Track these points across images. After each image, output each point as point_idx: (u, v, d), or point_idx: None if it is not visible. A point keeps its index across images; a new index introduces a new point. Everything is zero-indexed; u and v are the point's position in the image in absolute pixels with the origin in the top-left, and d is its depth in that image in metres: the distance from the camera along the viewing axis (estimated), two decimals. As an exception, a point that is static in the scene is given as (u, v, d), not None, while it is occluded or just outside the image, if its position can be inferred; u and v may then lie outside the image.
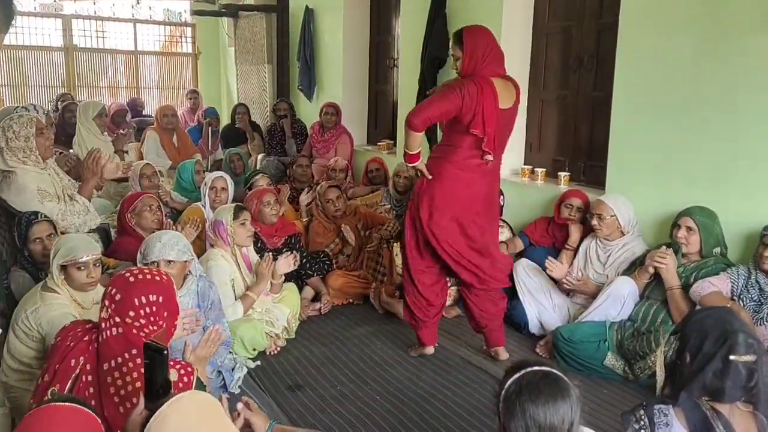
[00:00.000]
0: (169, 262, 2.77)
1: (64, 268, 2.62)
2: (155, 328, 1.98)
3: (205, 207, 4.29)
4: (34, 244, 3.08)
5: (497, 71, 3.12)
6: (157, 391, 1.63)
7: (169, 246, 2.77)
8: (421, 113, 3.07)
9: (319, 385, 3.18)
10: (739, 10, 3.16)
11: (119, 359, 1.91)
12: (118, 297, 1.95)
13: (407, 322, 3.51)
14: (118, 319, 1.93)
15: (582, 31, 4.31)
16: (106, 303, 1.96)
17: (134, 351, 1.91)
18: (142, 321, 1.95)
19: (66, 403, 1.47)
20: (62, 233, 3.35)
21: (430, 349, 3.51)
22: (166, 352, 1.65)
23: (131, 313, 1.94)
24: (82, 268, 2.62)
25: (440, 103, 3.05)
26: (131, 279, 1.98)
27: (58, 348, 2.00)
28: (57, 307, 2.55)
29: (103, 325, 1.95)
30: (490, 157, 3.11)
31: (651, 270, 3.26)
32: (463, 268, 3.27)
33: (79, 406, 1.47)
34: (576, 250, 3.81)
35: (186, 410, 1.41)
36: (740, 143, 3.23)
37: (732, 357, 1.66)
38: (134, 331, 1.94)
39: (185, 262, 2.85)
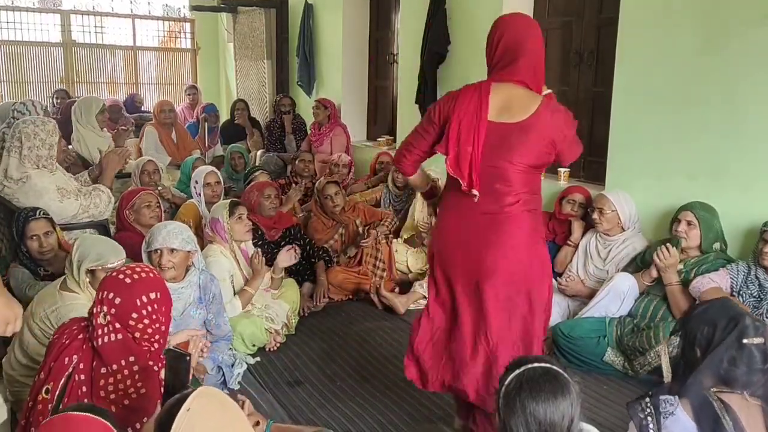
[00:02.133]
0: (172, 250, 2.77)
1: (91, 271, 2.60)
2: (157, 326, 1.97)
3: (200, 204, 4.26)
4: (30, 240, 3.07)
5: (512, 77, 2.27)
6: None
7: (173, 234, 2.78)
8: (403, 155, 2.43)
9: (318, 381, 3.18)
10: (739, 5, 3.16)
11: (114, 366, 1.90)
12: (117, 301, 1.92)
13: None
14: (118, 325, 1.91)
15: (582, 27, 4.30)
16: (105, 308, 1.92)
17: (132, 358, 1.90)
18: (146, 321, 1.94)
19: (81, 413, 1.45)
20: (62, 229, 3.36)
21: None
22: (188, 357, 1.64)
23: (134, 315, 1.93)
24: None
25: (420, 134, 2.38)
26: (128, 281, 1.96)
27: (54, 345, 1.99)
28: (78, 307, 2.55)
29: (99, 330, 1.91)
30: (474, 191, 2.20)
31: (654, 274, 3.26)
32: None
33: (94, 416, 1.45)
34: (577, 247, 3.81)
35: (212, 408, 1.40)
36: (740, 139, 3.22)
37: (745, 341, 1.66)
38: (136, 333, 1.93)
39: (188, 252, 2.86)
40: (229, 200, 3.68)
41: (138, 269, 2.02)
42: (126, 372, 1.90)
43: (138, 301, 1.93)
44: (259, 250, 3.63)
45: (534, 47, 2.29)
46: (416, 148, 2.39)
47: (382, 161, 5.59)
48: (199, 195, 4.24)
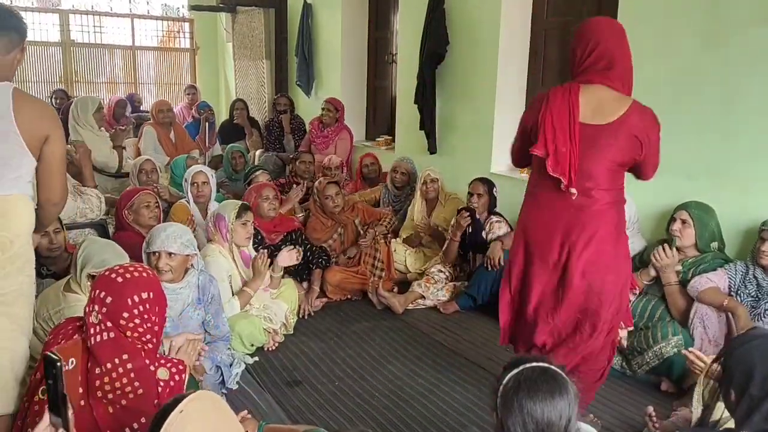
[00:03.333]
0: (170, 254, 2.76)
1: (92, 276, 2.61)
2: (149, 325, 1.96)
3: (189, 203, 4.25)
4: (41, 237, 3.08)
5: (604, 80, 2.38)
6: (57, 404, 1.57)
7: (172, 238, 2.76)
8: (515, 157, 2.69)
9: (317, 381, 3.18)
10: (738, 4, 3.15)
11: (108, 365, 1.89)
12: (108, 300, 1.91)
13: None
14: (109, 324, 1.90)
15: (581, 27, 4.29)
16: (96, 308, 1.92)
17: (125, 356, 1.90)
18: (137, 321, 1.93)
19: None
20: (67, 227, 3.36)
21: None
22: (60, 364, 1.60)
23: (125, 314, 1.92)
24: None
25: (518, 139, 2.59)
26: (119, 279, 1.94)
27: (49, 345, 1.98)
28: (80, 308, 2.55)
29: (92, 330, 1.91)
30: (572, 190, 2.34)
31: (653, 273, 3.26)
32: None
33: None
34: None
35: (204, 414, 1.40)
36: (739, 138, 3.22)
37: None
38: (128, 333, 1.92)
39: (187, 255, 2.85)
40: (240, 202, 3.66)
41: (131, 268, 2.01)
42: (120, 371, 1.89)
43: (129, 300, 1.92)
44: (265, 252, 3.62)
45: (627, 54, 2.45)
46: (520, 150, 2.57)
47: (366, 163, 5.58)
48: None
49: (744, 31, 3.14)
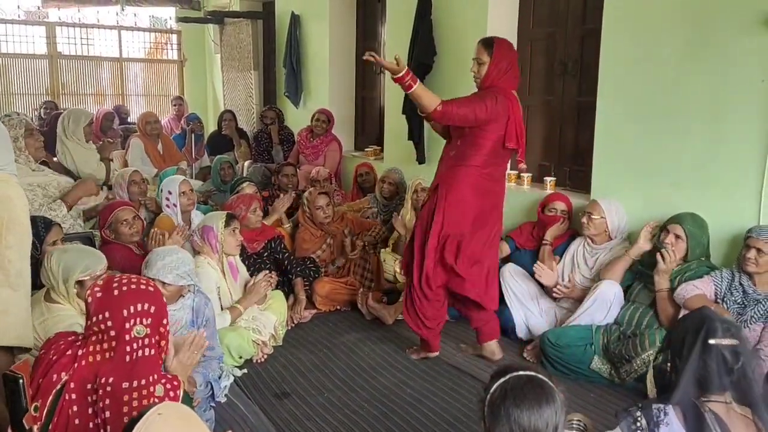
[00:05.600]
0: (165, 283, 2.72)
1: (79, 282, 2.60)
2: (150, 340, 1.97)
3: (175, 215, 4.19)
4: (52, 246, 3.07)
5: (513, 87, 3.23)
6: (20, 421, 1.57)
7: (168, 269, 2.71)
8: (456, 109, 3.09)
9: (306, 393, 3.17)
10: (720, 15, 3.20)
11: (143, 381, 1.89)
12: (152, 310, 1.93)
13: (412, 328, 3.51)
14: (153, 340, 1.92)
15: (566, 37, 4.34)
16: (143, 321, 1.92)
17: (155, 375, 1.91)
18: (169, 329, 1.97)
19: None
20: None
21: (434, 354, 3.56)
22: (22, 381, 1.60)
23: (164, 321, 1.96)
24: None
25: (478, 105, 3.10)
26: (151, 289, 1.97)
27: (41, 361, 1.96)
28: (65, 318, 2.56)
29: (134, 345, 1.90)
30: (524, 166, 3.53)
31: (647, 246, 3.35)
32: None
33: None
34: (556, 248, 3.85)
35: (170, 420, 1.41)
36: (723, 146, 3.25)
37: (711, 341, 1.68)
38: (162, 342, 1.94)
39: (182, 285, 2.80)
40: (225, 212, 3.65)
41: (134, 279, 2.01)
42: (151, 389, 1.89)
43: (164, 310, 1.99)
44: (274, 274, 3.61)
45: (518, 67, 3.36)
46: (475, 120, 3.12)
47: (361, 173, 5.59)
48: (175, 206, 4.14)
49: (727, 39, 3.18)
